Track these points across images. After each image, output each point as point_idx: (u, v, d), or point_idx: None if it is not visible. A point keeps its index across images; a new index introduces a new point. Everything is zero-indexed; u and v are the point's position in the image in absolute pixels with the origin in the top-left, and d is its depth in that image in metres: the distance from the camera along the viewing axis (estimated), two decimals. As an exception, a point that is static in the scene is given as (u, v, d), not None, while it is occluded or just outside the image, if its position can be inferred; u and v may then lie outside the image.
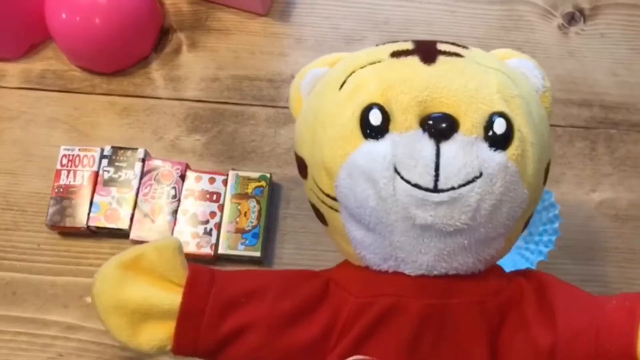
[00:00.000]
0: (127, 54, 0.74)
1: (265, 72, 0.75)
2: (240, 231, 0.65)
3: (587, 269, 0.66)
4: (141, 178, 0.67)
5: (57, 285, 0.65)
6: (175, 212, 0.66)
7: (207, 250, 0.65)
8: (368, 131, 0.42)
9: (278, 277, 0.50)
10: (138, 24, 0.73)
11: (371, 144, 0.42)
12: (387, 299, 0.44)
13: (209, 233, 0.66)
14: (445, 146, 0.41)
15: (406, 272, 0.44)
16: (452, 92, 0.42)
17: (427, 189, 0.40)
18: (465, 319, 0.44)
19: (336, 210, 0.45)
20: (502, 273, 0.48)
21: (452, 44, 0.47)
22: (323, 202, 0.46)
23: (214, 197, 0.67)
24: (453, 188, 0.40)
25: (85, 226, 0.65)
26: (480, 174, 0.41)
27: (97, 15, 0.70)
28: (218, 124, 0.73)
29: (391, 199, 0.41)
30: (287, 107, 0.73)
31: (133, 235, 0.65)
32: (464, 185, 0.41)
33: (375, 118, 0.41)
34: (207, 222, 0.66)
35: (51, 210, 0.65)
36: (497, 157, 0.41)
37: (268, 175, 0.67)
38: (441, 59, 0.44)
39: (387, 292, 0.44)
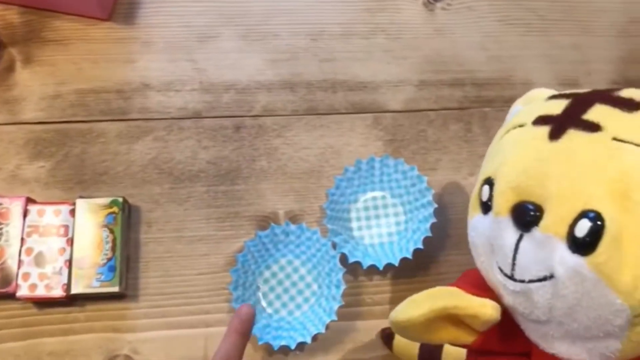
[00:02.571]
0: (-49, 78, 0.66)
1: (112, 83, 0.68)
2: (94, 266, 0.59)
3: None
4: (-28, 219, 0.59)
5: None
6: (15, 256, 0.59)
7: (58, 292, 0.58)
8: (481, 204, 0.42)
9: None
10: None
11: (480, 218, 0.42)
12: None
13: (59, 272, 0.59)
14: (525, 238, 0.38)
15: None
16: (548, 181, 0.38)
17: (506, 275, 0.40)
18: None
19: None
20: None
21: (617, 101, 0.40)
22: None
23: (62, 230, 0.60)
24: (524, 281, 0.39)
25: None
26: (552, 275, 0.37)
27: None
28: (64, 146, 0.65)
29: (490, 273, 0.42)
30: (139, 119, 0.67)
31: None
32: (535, 281, 0.38)
33: (484, 194, 0.42)
34: (55, 260, 0.59)
35: None
36: (571, 261, 0.36)
37: (120, 199, 0.61)
38: (570, 133, 0.39)
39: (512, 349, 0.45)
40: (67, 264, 0.59)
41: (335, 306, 0.57)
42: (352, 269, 0.62)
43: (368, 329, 0.61)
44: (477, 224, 0.43)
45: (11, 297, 0.59)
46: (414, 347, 0.57)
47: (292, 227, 0.60)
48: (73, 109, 0.67)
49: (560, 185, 0.37)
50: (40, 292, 0.58)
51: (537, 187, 0.38)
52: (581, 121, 0.39)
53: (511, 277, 0.39)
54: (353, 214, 0.63)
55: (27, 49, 0.69)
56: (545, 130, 0.40)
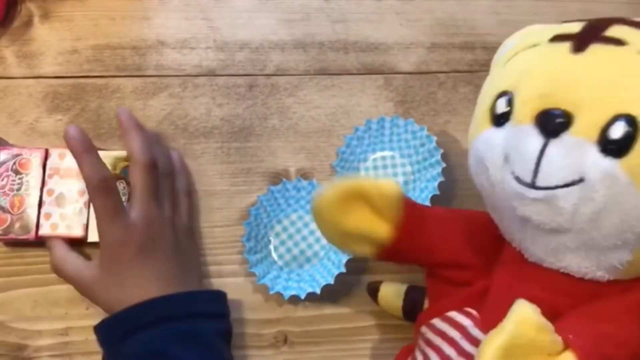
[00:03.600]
0: (-30, 31, 0.67)
1: (128, 39, 0.69)
2: None
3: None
4: (-5, 167, 0.61)
5: None
6: (39, 203, 0.61)
7: (78, 232, 0.60)
8: (494, 118, 0.42)
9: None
10: (-21, -4, 0.65)
11: (492, 131, 0.42)
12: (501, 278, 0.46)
13: (79, 213, 0.61)
14: (552, 144, 0.38)
15: (524, 255, 0.45)
16: (577, 87, 0.38)
17: (525, 184, 0.39)
18: None
19: None
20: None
21: (633, 23, 0.41)
22: None
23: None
24: (549, 188, 0.39)
25: None
26: (582, 179, 0.38)
27: None
28: (81, 100, 0.67)
29: (499, 187, 0.42)
30: (155, 76, 0.68)
31: (-7, 233, 0.60)
32: (561, 187, 0.38)
33: (500, 106, 0.42)
34: (76, 201, 0.61)
35: None
36: (603, 164, 0.37)
37: None
38: (594, 47, 0.40)
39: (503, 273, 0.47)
40: (87, 205, 0.61)
41: (344, 259, 0.59)
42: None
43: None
44: (488, 137, 0.42)
45: (31, 244, 0.61)
46: (398, 300, 0.59)
47: (304, 182, 0.62)
48: (90, 64, 0.68)
49: (593, 91, 0.38)
50: (62, 230, 0.60)
51: (567, 93, 0.38)
52: (603, 37, 0.40)
53: (532, 185, 0.39)
54: (362, 173, 0.65)
55: (44, 4, 0.70)
56: (566, 45, 0.41)
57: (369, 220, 0.48)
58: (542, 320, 0.37)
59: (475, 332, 0.45)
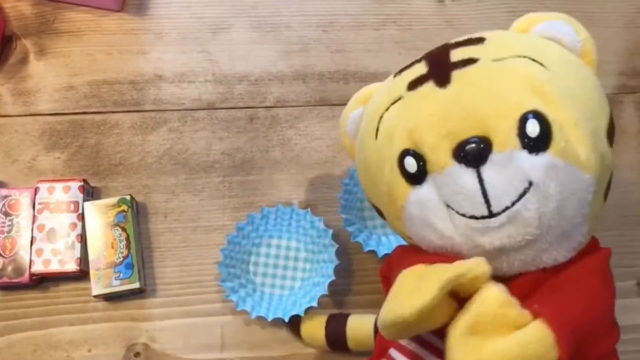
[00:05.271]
0: (-35, 70, 0.66)
1: (125, 74, 0.68)
2: (111, 265, 0.60)
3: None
4: (-13, 210, 0.60)
5: None
6: (31, 241, 0.59)
7: (72, 267, 0.59)
8: (409, 179, 0.41)
9: None
10: (-26, 34, 0.65)
11: (417, 191, 0.41)
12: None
13: (71, 247, 0.60)
14: (486, 170, 0.38)
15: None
16: (474, 112, 0.39)
17: (483, 217, 0.39)
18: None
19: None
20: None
21: (466, 42, 0.43)
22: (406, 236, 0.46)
23: (72, 206, 0.61)
24: (507, 207, 0.38)
25: None
26: (530, 183, 0.38)
27: None
28: (78, 137, 0.66)
29: (455, 234, 0.40)
30: (153, 110, 0.67)
31: (-14, 278, 0.58)
32: (517, 200, 0.38)
33: (410, 165, 0.41)
34: (67, 235, 0.60)
35: None
36: (540, 161, 0.38)
37: (128, 197, 0.61)
38: (455, 75, 0.41)
39: None
40: (79, 238, 0.60)
41: (327, 281, 0.58)
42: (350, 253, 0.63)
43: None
44: (418, 198, 0.41)
45: (29, 286, 0.60)
46: (320, 329, 0.58)
47: (284, 209, 0.61)
48: (87, 100, 0.67)
49: (489, 107, 0.38)
50: (54, 266, 0.59)
51: (468, 120, 0.38)
52: (455, 63, 0.41)
53: (491, 215, 0.38)
54: (367, 204, 0.64)
55: (40, 40, 0.69)
56: (429, 86, 0.41)
57: (452, 307, 0.40)
58: (506, 296, 0.37)
59: None
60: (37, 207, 0.60)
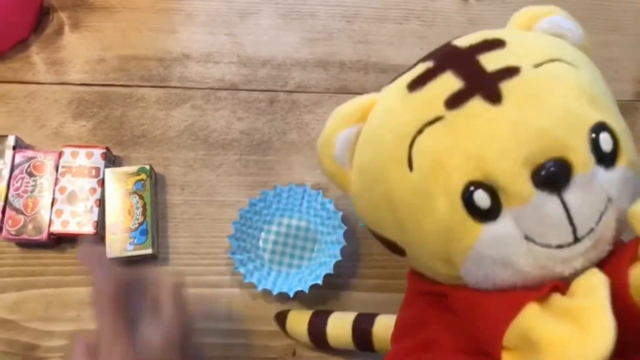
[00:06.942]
0: (3, 37, 0.69)
1: (154, 51, 0.71)
2: (126, 230, 0.62)
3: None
4: (12, 168, 0.62)
5: None
6: (48, 206, 0.62)
7: (89, 229, 0.61)
8: (480, 216, 0.35)
9: None
10: (14, 3, 0.68)
11: (491, 227, 0.35)
12: None
13: (90, 210, 0.62)
14: (569, 195, 0.35)
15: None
16: (546, 131, 0.35)
17: (569, 244, 0.35)
18: None
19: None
20: None
21: (488, 45, 0.38)
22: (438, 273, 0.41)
23: (93, 172, 0.63)
24: (592, 229, 0.36)
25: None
26: (609, 199, 0.36)
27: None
28: (105, 108, 0.69)
29: (533, 267, 0.36)
30: (178, 87, 0.70)
31: (5, 233, 0.61)
32: (599, 220, 0.36)
33: (481, 200, 0.35)
34: (87, 199, 0.62)
35: None
36: (615, 176, 0.36)
37: (147, 167, 0.64)
38: (506, 88, 0.36)
39: None
40: (98, 203, 0.62)
41: (334, 261, 0.60)
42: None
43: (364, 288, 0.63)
44: (490, 236, 0.36)
45: (44, 245, 0.62)
46: (303, 324, 0.59)
47: (297, 188, 0.63)
48: (116, 74, 0.70)
49: (560, 123, 0.35)
50: (72, 228, 0.61)
51: (542, 142, 0.34)
52: (497, 73, 0.37)
53: (576, 240, 0.35)
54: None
55: (75, 14, 0.72)
56: (476, 103, 0.36)
57: None
58: None
59: None
60: (60, 170, 0.63)
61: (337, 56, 0.72)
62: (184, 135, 0.68)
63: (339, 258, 0.60)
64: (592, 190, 0.35)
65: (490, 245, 0.36)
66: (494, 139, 0.35)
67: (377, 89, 0.70)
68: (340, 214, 0.61)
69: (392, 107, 0.40)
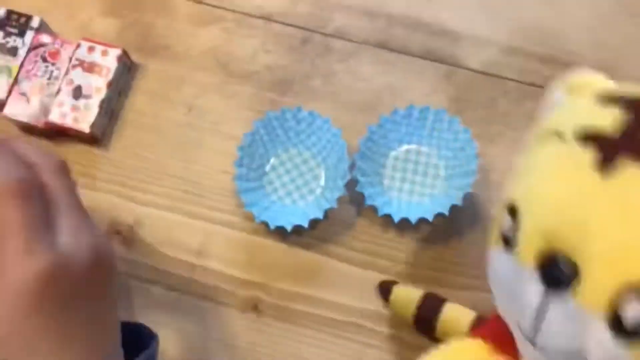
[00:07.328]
0: None
1: (198, -37, 0.67)
2: None
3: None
4: (29, 50, 0.61)
5: None
6: (53, 94, 0.60)
7: (83, 127, 0.60)
8: (501, 234, 0.35)
9: None
10: None
11: (500, 253, 0.35)
12: None
13: (89, 109, 0.60)
14: (554, 302, 0.31)
15: None
16: (588, 233, 0.29)
17: (526, 337, 0.33)
18: None
19: None
20: None
21: None
22: None
23: (104, 71, 0.61)
24: (547, 349, 0.33)
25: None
26: (581, 350, 0.31)
27: None
28: (136, 11, 0.66)
29: (509, 320, 0.37)
30: (213, 6, 0.66)
31: (7, 110, 0.60)
32: (561, 352, 0.32)
33: (505, 224, 0.34)
34: (90, 97, 0.60)
35: None
36: (610, 345, 0.29)
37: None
38: (627, 166, 0.28)
39: None
40: (101, 104, 0.60)
41: (337, 194, 0.56)
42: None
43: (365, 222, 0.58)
44: (496, 261, 0.35)
45: (42, 134, 0.62)
46: (411, 306, 0.54)
47: (304, 113, 0.59)
48: (155, -21, 0.67)
49: (606, 241, 0.28)
50: (68, 121, 0.60)
51: (574, 237, 0.29)
52: None
53: (532, 342, 0.32)
54: (389, 161, 0.60)
55: None
56: (591, 155, 0.30)
57: None
58: None
59: None
60: (73, 62, 0.61)
61: (386, 7, 0.65)
62: (206, 56, 0.64)
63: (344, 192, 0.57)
64: (573, 324, 0.30)
65: (492, 263, 0.37)
66: (550, 189, 0.31)
67: (421, 51, 0.64)
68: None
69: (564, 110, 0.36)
